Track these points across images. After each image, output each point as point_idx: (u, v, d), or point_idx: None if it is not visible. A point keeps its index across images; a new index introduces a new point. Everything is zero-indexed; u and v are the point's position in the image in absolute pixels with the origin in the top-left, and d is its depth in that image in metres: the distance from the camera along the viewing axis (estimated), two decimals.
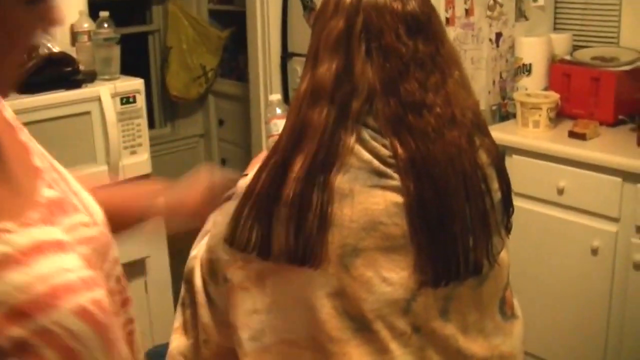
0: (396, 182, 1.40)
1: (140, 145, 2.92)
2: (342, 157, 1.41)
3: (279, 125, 1.96)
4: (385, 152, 1.41)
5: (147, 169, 2.98)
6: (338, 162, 1.40)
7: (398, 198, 1.40)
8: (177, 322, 1.74)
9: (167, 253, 3.08)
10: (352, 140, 1.41)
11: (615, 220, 2.95)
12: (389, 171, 1.41)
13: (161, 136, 5.11)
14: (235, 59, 5.12)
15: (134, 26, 4.96)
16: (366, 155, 1.41)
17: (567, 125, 3.25)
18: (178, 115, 5.24)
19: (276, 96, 2.06)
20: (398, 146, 1.41)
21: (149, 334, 3.03)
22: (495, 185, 1.52)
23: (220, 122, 5.30)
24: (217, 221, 1.61)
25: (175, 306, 3.07)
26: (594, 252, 3.00)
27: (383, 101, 1.42)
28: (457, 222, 1.44)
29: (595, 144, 3.09)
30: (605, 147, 3.04)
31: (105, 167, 2.86)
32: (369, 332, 1.44)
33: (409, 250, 1.42)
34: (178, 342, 1.72)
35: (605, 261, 2.99)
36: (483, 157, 1.50)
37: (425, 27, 1.47)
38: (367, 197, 1.40)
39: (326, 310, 1.43)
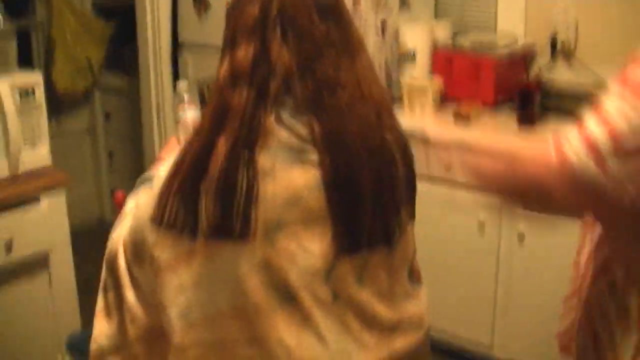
0: (314, 157, 1.49)
1: (40, 137, 2.92)
2: (263, 136, 1.48)
3: (187, 112, 2.02)
4: (302, 130, 1.49)
5: (47, 161, 2.98)
6: (260, 141, 1.48)
7: (316, 172, 1.49)
8: (99, 306, 1.74)
9: (70, 246, 3.07)
10: (271, 119, 1.49)
11: None
12: (307, 147, 1.49)
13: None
14: (120, 52, 5.09)
15: (16, 20, 4.86)
16: (285, 134, 1.49)
17: (451, 107, 3.42)
18: (63, 110, 5.16)
19: (184, 82, 2.09)
20: (315, 123, 1.49)
21: (53, 328, 3.03)
22: (400, 162, 1.63)
23: (107, 116, 5.26)
24: (140, 203, 1.65)
25: (79, 300, 3.09)
26: (481, 225, 3.18)
27: (299, 81, 1.50)
28: (369, 193, 1.53)
29: (478, 124, 3.27)
30: (489, 127, 3.23)
31: (5, 161, 2.85)
32: (293, 301, 1.51)
33: (327, 222, 1.50)
34: (101, 325, 1.73)
35: (491, 233, 3.18)
36: (389, 135, 1.61)
37: (335, 12, 1.57)
38: (288, 173, 1.48)
39: (253, 283, 1.50)
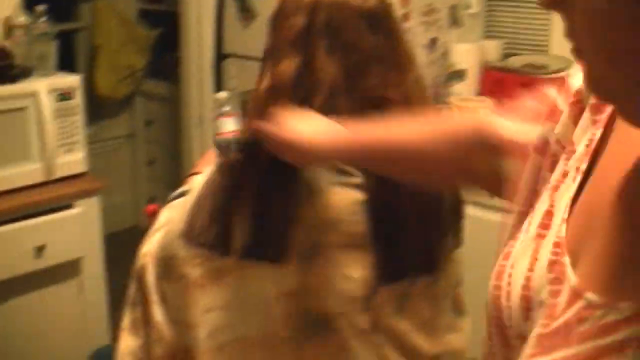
0: (357, 179, 1.42)
1: (76, 143, 2.88)
2: None
3: (227, 123, 1.95)
4: None
5: (83, 167, 2.95)
6: None
7: (359, 196, 1.41)
8: (126, 321, 1.70)
9: (103, 253, 3.03)
10: None
11: None
12: (351, 169, 1.42)
13: (86, 136, 5.01)
14: (162, 60, 5.08)
15: (60, 23, 4.86)
16: None
17: None
18: (104, 115, 5.15)
19: (224, 93, 2.04)
20: None
21: (82, 335, 2.98)
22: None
23: (147, 123, 5.24)
24: (172, 217, 1.59)
25: (109, 307, 3.05)
26: None
27: (345, 97, 1.43)
28: (413, 219, 1.46)
29: None
30: None
31: (39, 165, 2.82)
32: (329, 330, 1.44)
33: (368, 247, 1.43)
34: (127, 342, 1.68)
35: None
36: None
37: (384, 23, 1.49)
38: (330, 194, 1.41)
39: (285, 309, 1.43)
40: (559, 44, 3.62)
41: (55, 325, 2.92)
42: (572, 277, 0.72)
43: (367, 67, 1.45)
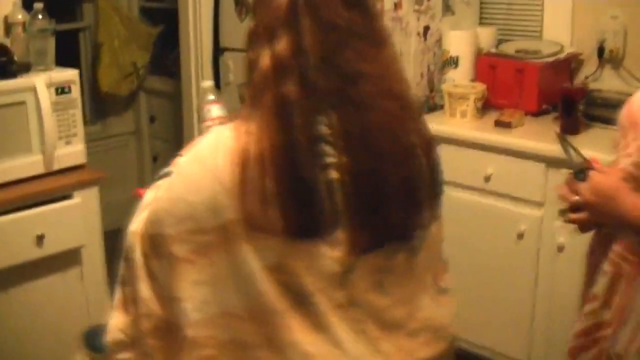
0: (332, 159, 1.44)
1: (75, 135, 2.93)
2: None
3: (212, 110, 2.00)
4: (325, 130, 1.45)
5: (82, 159, 3.00)
6: None
7: (334, 175, 1.44)
8: (116, 300, 1.72)
9: (102, 242, 3.09)
10: None
11: (539, 204, 3.07)
12: (327, 148, 1.45)
13: (91, 133, 5.06)
14: (165, 56, 5.13)
15: (64, 23, 4.93)
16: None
17: (493, 115, 3.36)
18: (108, 112, 5.22)
19: (208, 82, 2.07)
20: (335, 121, 1.45)
21: (84, 322, 3.03)
22: (423, 161, 1.57)
23: (151, 119, 5.30)
24: (159, 196, 1.62)
25: (110, 295, 3.09)
26: (520, 236, 3.11)
27: (323, 74, 1.46)
28: (390, 189, 1.48)
29: (520, 132, 3.21)
30: (530, 135, 3.16)
31: (40, 157, 2.87)
32: (308, 304, 1.46)
33: (344, 224, 1.46)
34: (117, 319, 1.70)
35: (530, 244, 3.10)
36: (413, 135, 1.55)
37: (360, 2, 1.52)
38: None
39: (267, 283, 1.46)
40: (551, 30, 3.66)
41: (57, 312, 2.97)
42: None
43: (343, 42, 1.47)
